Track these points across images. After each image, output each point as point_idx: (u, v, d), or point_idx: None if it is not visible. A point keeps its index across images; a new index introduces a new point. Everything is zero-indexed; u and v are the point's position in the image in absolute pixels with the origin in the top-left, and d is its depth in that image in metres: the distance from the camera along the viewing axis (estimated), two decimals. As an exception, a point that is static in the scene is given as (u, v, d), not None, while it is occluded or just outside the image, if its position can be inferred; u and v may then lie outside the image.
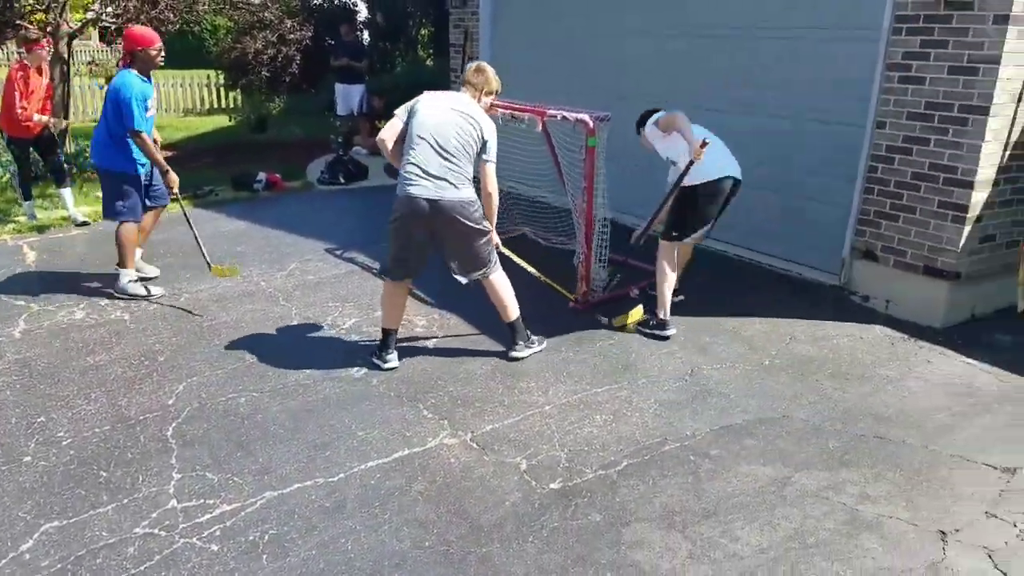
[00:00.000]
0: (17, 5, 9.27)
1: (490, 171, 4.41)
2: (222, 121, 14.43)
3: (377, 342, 4.75)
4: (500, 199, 4.58)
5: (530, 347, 4.81)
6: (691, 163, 4.79)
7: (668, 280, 5.15)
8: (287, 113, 13.71)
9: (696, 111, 5.36)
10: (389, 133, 4.37)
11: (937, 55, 5.04)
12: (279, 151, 11.82)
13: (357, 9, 16.02)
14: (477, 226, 4.39)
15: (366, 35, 15.71)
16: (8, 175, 8.37)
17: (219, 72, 15.89)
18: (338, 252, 6.83)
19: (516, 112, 5.78)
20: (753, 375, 4.56)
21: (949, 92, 5.01)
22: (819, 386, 4.43)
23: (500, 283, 4.66)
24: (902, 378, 4.55)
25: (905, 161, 5.32)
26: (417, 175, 4.23)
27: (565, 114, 5.38)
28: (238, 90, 15.33)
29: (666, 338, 5.06)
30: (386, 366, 4.62)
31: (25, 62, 7.14)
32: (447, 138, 4.24)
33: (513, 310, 4.72)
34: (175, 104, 16.30)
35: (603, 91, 7.78)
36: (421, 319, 5.39)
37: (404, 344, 4.91)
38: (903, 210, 5.37)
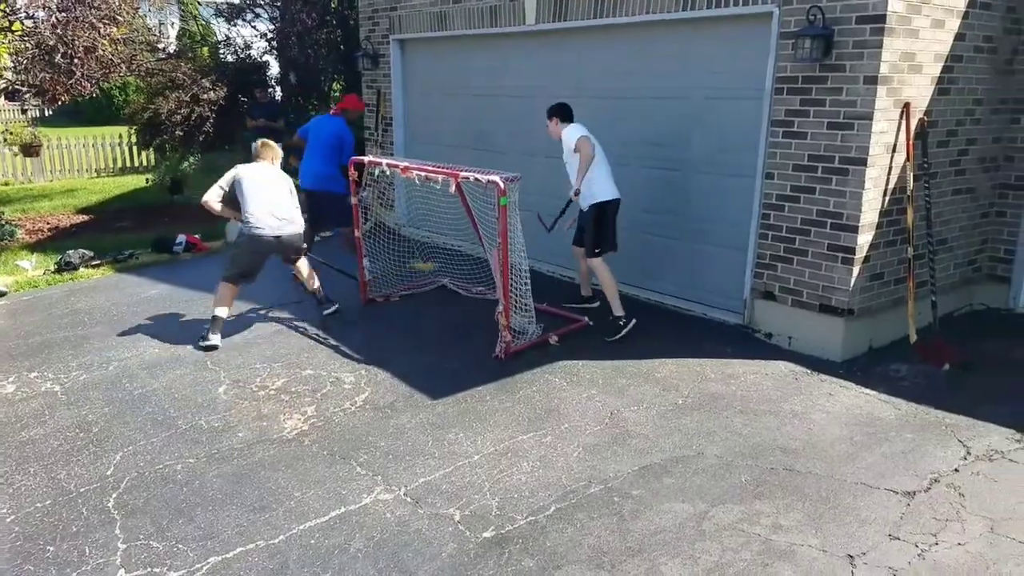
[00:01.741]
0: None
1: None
2: (136, 182, 14.24)
3: (207, 331, 6.09)
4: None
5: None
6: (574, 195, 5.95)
7: (613, 285, 6.11)
8: (203, 172, 13.63)
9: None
10: (214, 197, 6.17)
11: (816, 112, 5.53)
12: (197, 211, 11.73)
13: (268, 64, 16.09)
14: (302, 247, 6.54)
15: (279, 91, 15.78)
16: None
17: (130, 130, 15.68)
18: (262, 311, 6.91)
19: (431, 174, 6.04)
20: (668, 415, 4.85)
21: (829, 145, 5.49)
22: (730, 422, 4.73)
23: (303, 263, 6.66)
24: (807, 411, 4.88)
25: (794, 208, 5.77)
26: (264, 219, 6.08)
27: (477, 176, 5.66)
28: (151, 149, 15.17)
29: (632, 326, 6.05)
30: (206, 344, 6.01)
31: None
32: (277, 193, 6.24)
33: (314, 280, 6.71)
34: (86, 165, 15.96)
35: (509, 145, 8.17)
36: (349, 375, 5.51)
37: (334, 400, 5.07)
38: (796, 253, 5.80)
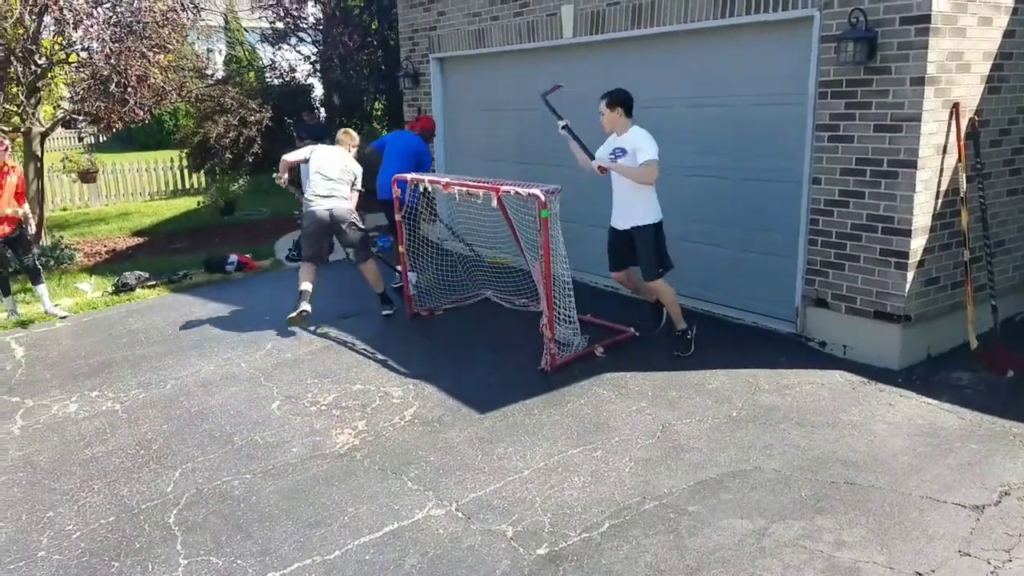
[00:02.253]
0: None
1: (356, 195, 7.17)
2: (188, 204, 14.57)
3: (299, 306, 6.70)
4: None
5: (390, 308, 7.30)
6: (601, 168, 5.75)
7: (675, 301, 5.95)
8: (252, 192, 13.94)
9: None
10: (293, 158, 7.15)
11: (862, 115, 5.42)
12: (247, 231, 12.05)
13: (312, 86, 16.41)
14: (355, 222, 7.04)
15: (323, 112, 16.08)
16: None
17: (181, 154, 16.10)
18: (311, 328, 6.98)
19: (472, 189, 6.07)
20: (722, 428, 4.77)
21: (877, 148, 5.38)
22: (787, 435, 4.63)
23: (371, 266, 7.21)
24: (866, 422, 4.75)
25: (844, 213, 5.66)
26: (317, 198, 6.85)
27: (518, 190, 5.68)
28: (202, 172, 15.58)
29: (694, 337, 5.94)
30: (296, 312, 6.69)
31: None
32: (331, 171, 6.93)
33: (380, 284, 7.24)
34: (140, 189, 16.39)
35: (548, 157, 8.14)
36: (397, 390, 5.55)
37: (383, 415, 5.12)
38: (847, 259, 5.69)
